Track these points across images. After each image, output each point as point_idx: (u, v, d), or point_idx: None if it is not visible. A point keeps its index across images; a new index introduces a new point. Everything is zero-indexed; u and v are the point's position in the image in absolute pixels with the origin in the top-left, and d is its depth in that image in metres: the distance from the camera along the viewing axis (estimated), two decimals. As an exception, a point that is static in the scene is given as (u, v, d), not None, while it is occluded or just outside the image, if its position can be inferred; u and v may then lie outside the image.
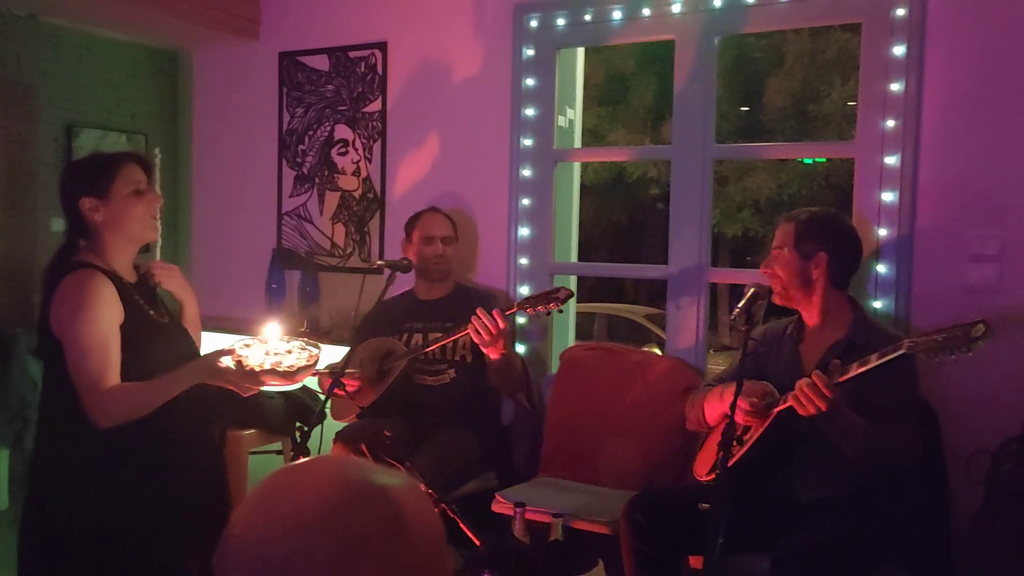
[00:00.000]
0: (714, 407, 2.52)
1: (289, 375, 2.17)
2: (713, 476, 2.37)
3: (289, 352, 2.20)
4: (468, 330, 2.85)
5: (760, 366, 2.56)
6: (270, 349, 2.18)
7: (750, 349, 2.34)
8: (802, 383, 2.14)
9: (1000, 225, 2.72)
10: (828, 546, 2.19)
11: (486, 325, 2.80)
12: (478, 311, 2.83)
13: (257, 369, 2.12)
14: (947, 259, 2.79)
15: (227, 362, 2.11)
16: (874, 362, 2.11)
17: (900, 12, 2.82)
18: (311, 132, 4.04)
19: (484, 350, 2.91)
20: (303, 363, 2.20)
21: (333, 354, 3.32)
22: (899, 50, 2.83)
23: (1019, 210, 2.70)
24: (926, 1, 2.79)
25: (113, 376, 2.03)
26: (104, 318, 2.05)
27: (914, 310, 2.83)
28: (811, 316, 2.51)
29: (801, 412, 2.16)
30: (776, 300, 2.52)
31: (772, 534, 2.27)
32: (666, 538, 2.42)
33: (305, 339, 2.29)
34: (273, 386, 2.22)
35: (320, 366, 2.47)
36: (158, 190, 2.38)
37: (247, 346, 2.17)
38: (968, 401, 2.70)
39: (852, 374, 2.13)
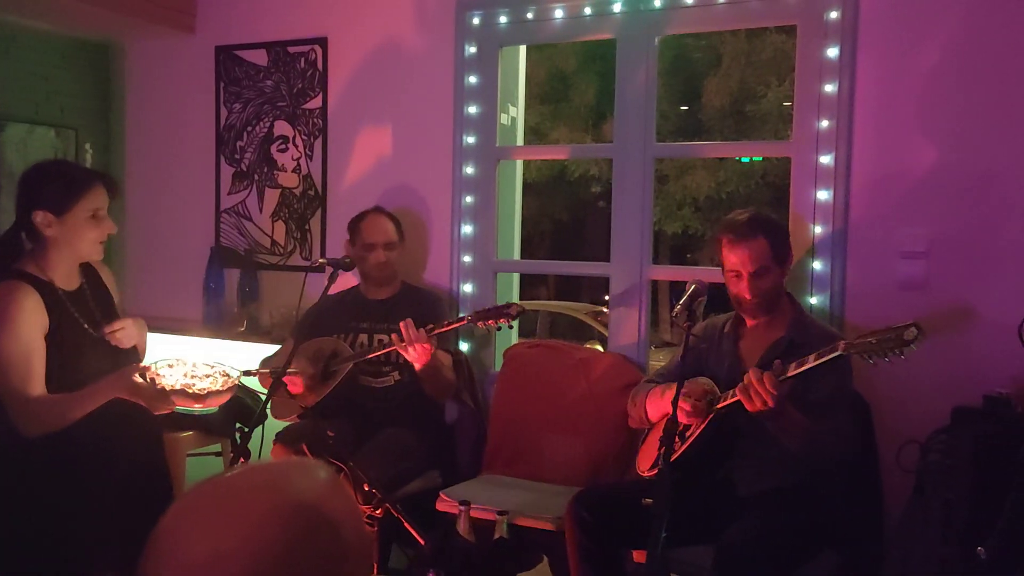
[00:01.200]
0: (656, 405, 2.55)
1: (199, 398, 2.21)
2: (655, 471, 2.40)
3: (207, 376, 2.23)
4: (394, 339, 2.85)
5: (700, 361, 2.60)
6: (189, 371, 2.20)
7: (691, 345, 2.38)
8: (751, 378, 2.17)
9: (928, 223, 2.81)
10: (768, 537, 2.23)
11: (412, 339, 2.80)
12: (402, 325, 2.82)
13: (167, 389, 2.14)
14: (879, 256, 2.87)
15: (140, 379, 2.12)
16: (811, 363, 2.16)
17: (833, 15, 2.89)
18: (250, 128, 3.97)
19: (407, 359, 2.91)
20: (216, 388, 2.24)
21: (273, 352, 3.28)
22: (832, 52, 2.90)
23: (946, 208, 2.79)
24: (858, 4, 2.87)
25: (37, 386, 2.01)
26: (26, 330, 2.03)
27: (848, 306, 2.91)
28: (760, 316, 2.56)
29: (748, 407, 2.19)
30: (754, 318, 2.54)
31: (714, 527, 2.31)
32: (610, 533, 2.44)
33: (230, 367, 2.31)
34: (181, 407, 2.24)
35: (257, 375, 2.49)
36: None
37: (170, 366, 2.19)
38: (899, 394, 2.79)
39: (791, 374, 2.18)
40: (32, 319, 2.06)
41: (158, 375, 2.18)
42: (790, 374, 2.18)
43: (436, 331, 2.86)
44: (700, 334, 2.62)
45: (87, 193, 2.19)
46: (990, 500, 1.89)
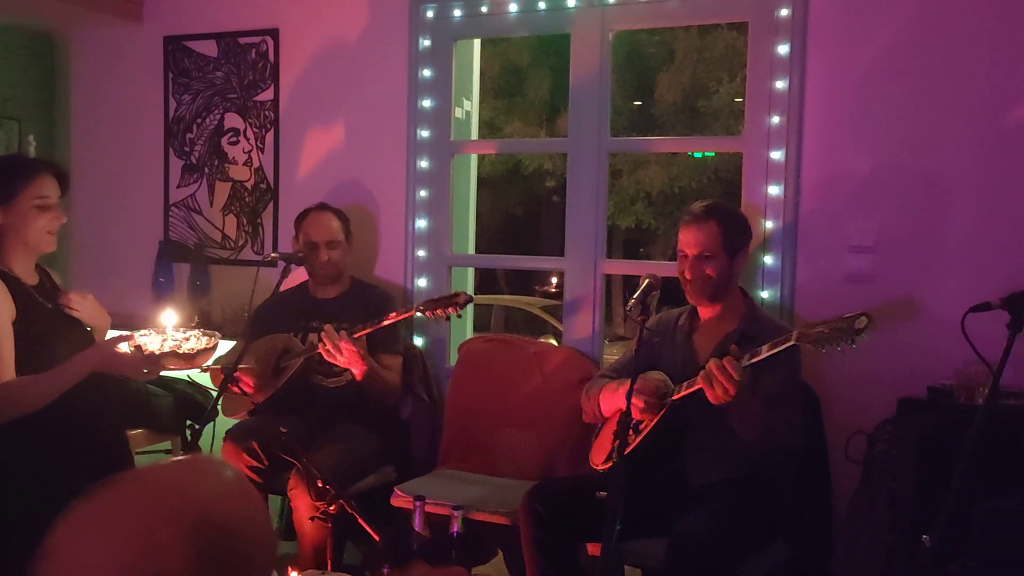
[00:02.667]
0: (609, 401, 2.57)
1: (190, 358, 2.20)
2: (609, 464, 2.42)
3: (187, 339, 2.21)
4: (319, 348, 2.83)
5: (654, 355, 2.62)
6: (169, 336, 2.18)
7: (644, 339, 2.40)
8: (712, 367, 2.19)
9: (876, 218, 2.87)
10: (720, 527, 2.26)
11: (334, 344, 2.78)
12: (323, 333, 2.80)
13: (157, 353, 2.12)
14: (828, 250, 2.92)
15: (124, 348, 2.08)
16: (765, 352, 2.19)
17: (784, 12, 2.93)
18: (199, 120, 3.90)
19: (343, 367, 2.89)
20: (203, 346, 2.22)
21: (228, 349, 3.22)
22: (783, 49, 2.94)
23: (893, 203, 2.85)
24: (808, 2, 2.91)
25: (6, 371, 1.97)
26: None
27: (798, 300, 2.96)
28: (714, 309, 2.58)
29: (710, 396, 2.21)
30: (695, 300, 2.56)
31: (666, 518, 2.34)
32: (564, 526, 2.45)
33: (202, 329, 2.29)
34: (174, 369, 2.22)
35: (214, 358, 2.46)
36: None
37: (144, 335, 2.16)
38: (847, 386, 2.84)
39: (746, 363, 2.21)
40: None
41: (142, 343, 2.15)
42: (745, 364, 2.20)
43: (359, 333, 2.83)
44: (654, 328, 2.64)
45: (32, 181, 2.16)
46: (934, 489, 1.94)
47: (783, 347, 2.16)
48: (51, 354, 2.10)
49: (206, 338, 2.28)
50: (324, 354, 2.83)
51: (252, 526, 0.81)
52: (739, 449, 2.35)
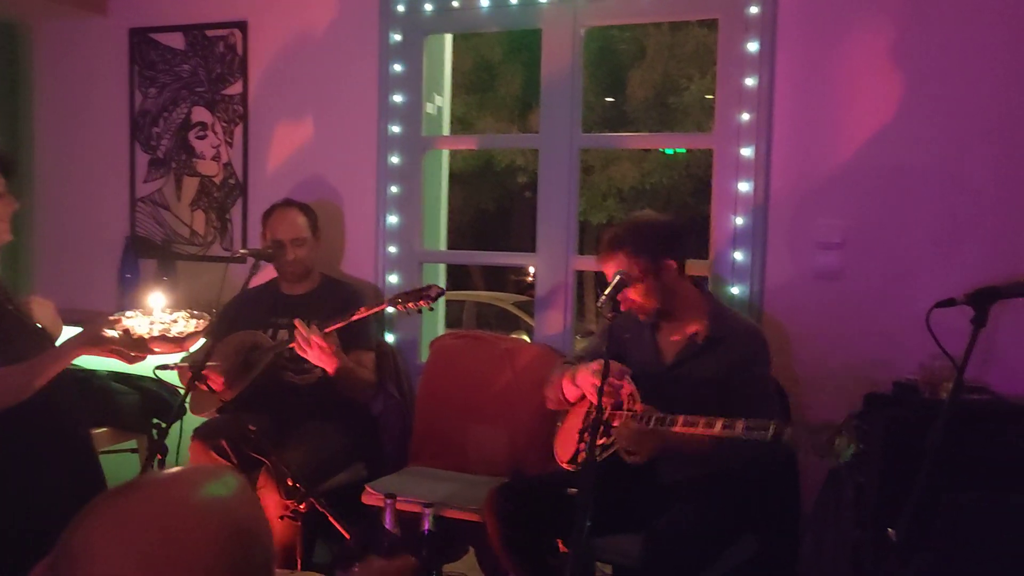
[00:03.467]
0: (570, 386, 2.57)
1: (179, 341, 2.17)
2: (577, 464, 2.43)
3: (175, 322, 2.17)
4: (292, 343, 2.81)
5: (623, 350, 2.62)
6: (155, 319, 2.14)
7: (615, 334, 2.41)
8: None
9: (843, 215, 2.89)
10: (694, 524, 2.28)
11: (305, 337, 2.76)
12: (296, 323, 2.78)
13: (146, 336, 2.07)
14: (797, 247, 2.94)
15: (111, 332, 2.03)
16: (740, 430, 2.16)
17: (754, 10, 2.95)
18: (166, 114, 3.85)
19: (315, 363, 2.87)
20: (192, 329, 2.19)
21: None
22: (753, 46, 2.95)
23: (859, 200, 2.88)
24: (777, 0, 2.93)
25: None
26: None
27: (767, 296, 2.98)
28: (670, 315, 2.57)
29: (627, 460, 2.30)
30: (647, 319, 2.55)
31: (637, 515, 2.35)
32: (533, 523, 2.45)
33: (189, 311, 2.24)
34: (161, 353, 2.18)
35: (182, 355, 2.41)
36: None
37: (130, 317, 2.12)
38: (814, 381, 2.87)
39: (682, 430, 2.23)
40: None
41: (130, 326, 2.10)
42: (680, 429, 2.24)
43: (329, 328, 2.81)
44: (623, 323, 2.64)
45: None
46: (900, 483, 1.96)
47: (762, 438, 2.12)
48: (15, 353, 2.05)
49: (194, 320, 2.22)
50: (296, 348, 2.81)
51: (265, 529, 0.84)
52: (709, 449, 2.37)
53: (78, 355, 2.06)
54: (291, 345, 2.84)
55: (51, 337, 2.22)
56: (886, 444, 2.45)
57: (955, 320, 1.84)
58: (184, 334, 2.17)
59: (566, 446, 2.56)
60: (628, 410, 2.42)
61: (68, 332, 2.23)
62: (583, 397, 2.59)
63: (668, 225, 2.62)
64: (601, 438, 2.38)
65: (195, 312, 2.28)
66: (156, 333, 2.13)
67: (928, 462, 1.76)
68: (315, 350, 2.79)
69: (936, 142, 2.79)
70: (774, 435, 2.08)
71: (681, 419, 2.25)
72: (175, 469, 0.88)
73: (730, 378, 2.39)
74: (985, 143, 2.74)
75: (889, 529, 1.78)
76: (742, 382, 2.40)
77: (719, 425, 2.18)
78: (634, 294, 2.47)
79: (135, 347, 2.08)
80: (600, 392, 2.15)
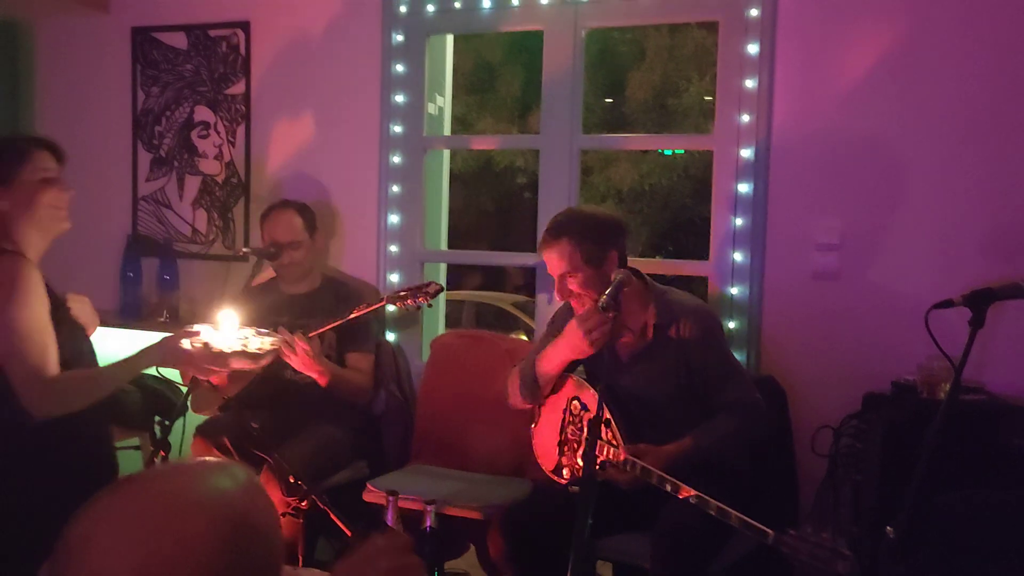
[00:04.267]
0: (544, 366, 2.53)
1: (257, 357, 2.18)
2: (567, 480, 2.43)
3: (246, 338, 2.20)
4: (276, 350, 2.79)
5: None
6: (230, 335, 2.16)
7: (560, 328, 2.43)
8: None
9: (841, 216, 2.91)
10: (699, 521, 2.28)
11: (291, 345, 2.71)
12: (280, 331, 2.69)
13: (227, 351, 2.09)
14: (796, 248, 2.96)
15: (188, 345, 2.05)
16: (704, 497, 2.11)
17: (754, 12, 2.97)
18: (169, 113, 3.86)
19: (299, 370, 2.85)
20: (268, 347, 2.21)
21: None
22: (753, 48, 2.97)
23: (856, 202, 2.90)
24: (777, 2, 2.95)
25: (54, 364, 1.91)
26: (39, 306, 1.94)
27: (766, 297, 3.00)
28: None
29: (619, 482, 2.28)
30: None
31: (638, 514, 2.36)
32: (541, 542, 2.40)
33: (255, 329, 2.26)
34: (237, 368, 2.19)
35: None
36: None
37: (197, 332, 2.13)
38: (813, 381, 2.89)
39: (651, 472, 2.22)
40: (41, 295, 1.96)
41: (209, 340, 2.11)
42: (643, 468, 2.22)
43: (314, 332, 2.78)
44: (565, 314, 2.61)
45: (30, 156, 2.09)
46: (898, 482, 1.98)
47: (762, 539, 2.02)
48: (68, 352, 2.04)
49: (268, 338, 2.24)
50: (283, 354, 2.78)
51: (271, 524, 0.83)
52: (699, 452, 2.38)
53: (153, 365, 2.08)
54: (327, 327, 2.80)
55: (85, 333, 2.22)
56: (884, 443, 2.47)
57: (953, 321, 1.86)
58: (262, 351, 2.19)
59: (547, 454, 2.55)
60: (611, 445, 2.35)
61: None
62: (552, 393, 2.58)
63: (611, 217, 2.58)
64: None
65: (262, 330, 2.29)
66: (237, 348, 2.13)
67: (925, 461, 1.78)
68: (300, 355, 2.75)
69: (934, 144, 2.81)
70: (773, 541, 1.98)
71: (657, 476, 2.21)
72: (181, 461, 0.88)
73: (689, 361, 2.39)
74: (983, 145, 2.76)
75: (887, 527, 1.80)
76: (703, 364, 2.39)
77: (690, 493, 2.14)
78: (574, 284, 2.42)
79: (214, 361, 2.08)
80: (592, 446, 2.01)
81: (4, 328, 1.88)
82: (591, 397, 2.43)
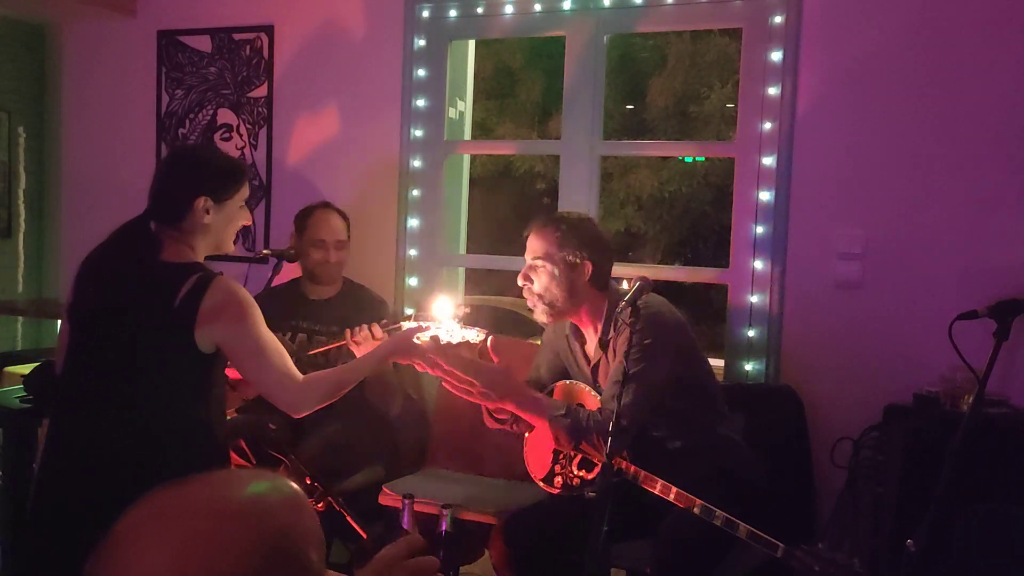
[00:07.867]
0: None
1: (475, 349, 2.29)
2: (558, 488, 2.41)
3: (452, 330, 2.27)
4: (345, 342, 2.78)
5: (561, 363, 2.61)
6: (445, 327, 2.23)
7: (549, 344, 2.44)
8: None
9: (864, 225, 2.89)
10: (700, 529, 2.26)
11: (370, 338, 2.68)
12: (353, 331, 2.58)
13: (454, 344, 2.21)
14: (818, 257, 2.94)
15: (421, 339, 2.18)
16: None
17: (778, 19, 2.95)
18: (192, 115, 3.89)
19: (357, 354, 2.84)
20: (481, 338, 2.30)
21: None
22: (776, 56, 2.96)
23: (880, 211, 2.87)
24: (801, 9, 2.93)
25: (294, 367, 2.06)
26: (262, 318, 2.05)
27: (787, 305, 2.98)
28: (581, 322, 2.49)
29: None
30: (540, 317, 2.47)
31: (645, 521, 2.34)
32: (545, 553, 2.41)
33: (459, 322, 2.29)
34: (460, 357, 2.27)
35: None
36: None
37: (426, 325, 2.23)
38: (833, 392, 2.86)
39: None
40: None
41: (437, 334, 2.21)
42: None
43: (314, 351, 2.77)
44: (551, 336, 2.62)
45: (244, 181, 2.16)
46: (918, 495, 1.96)
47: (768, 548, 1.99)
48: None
49: (474, 331, 2.28)
50: (349, 344, 2.74)
51: (310, 537, 0.84)
52: (687, 451, 2.36)
53: (389, 360, 2.27)
54: (341, 343, 2.77)
55: None
56: (905, 455, 2.44)
57: (977, 332, 1.84)
58: (480, 343, 2.28)
59: (539, 461, 2.52)
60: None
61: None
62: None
63: (603, 233, 2.55)
64: (581, 470, 2.37)
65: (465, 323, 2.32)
66: (459, 340, 2.23)
67: (948, 474, 1.76)
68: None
69: (960, 152, 2.78)
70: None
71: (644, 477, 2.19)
72: (231, 470, 0.89)
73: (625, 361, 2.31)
74: (1007, 153, 2.73)
75: (908, 540, 1.78)
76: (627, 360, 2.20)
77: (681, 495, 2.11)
78: (543, 273, 2.39)
79: (442, 353, 2.19)
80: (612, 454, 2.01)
81: (255, 345, 2.01)
82: (590, 400, 2.42)
